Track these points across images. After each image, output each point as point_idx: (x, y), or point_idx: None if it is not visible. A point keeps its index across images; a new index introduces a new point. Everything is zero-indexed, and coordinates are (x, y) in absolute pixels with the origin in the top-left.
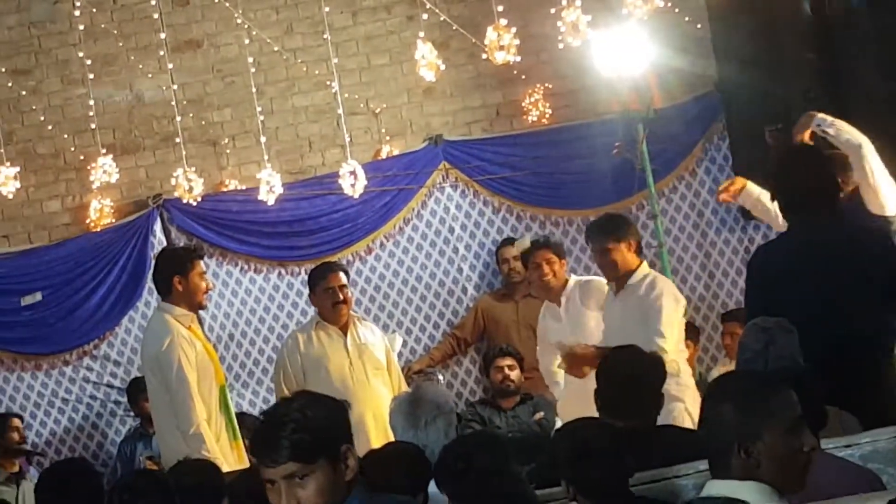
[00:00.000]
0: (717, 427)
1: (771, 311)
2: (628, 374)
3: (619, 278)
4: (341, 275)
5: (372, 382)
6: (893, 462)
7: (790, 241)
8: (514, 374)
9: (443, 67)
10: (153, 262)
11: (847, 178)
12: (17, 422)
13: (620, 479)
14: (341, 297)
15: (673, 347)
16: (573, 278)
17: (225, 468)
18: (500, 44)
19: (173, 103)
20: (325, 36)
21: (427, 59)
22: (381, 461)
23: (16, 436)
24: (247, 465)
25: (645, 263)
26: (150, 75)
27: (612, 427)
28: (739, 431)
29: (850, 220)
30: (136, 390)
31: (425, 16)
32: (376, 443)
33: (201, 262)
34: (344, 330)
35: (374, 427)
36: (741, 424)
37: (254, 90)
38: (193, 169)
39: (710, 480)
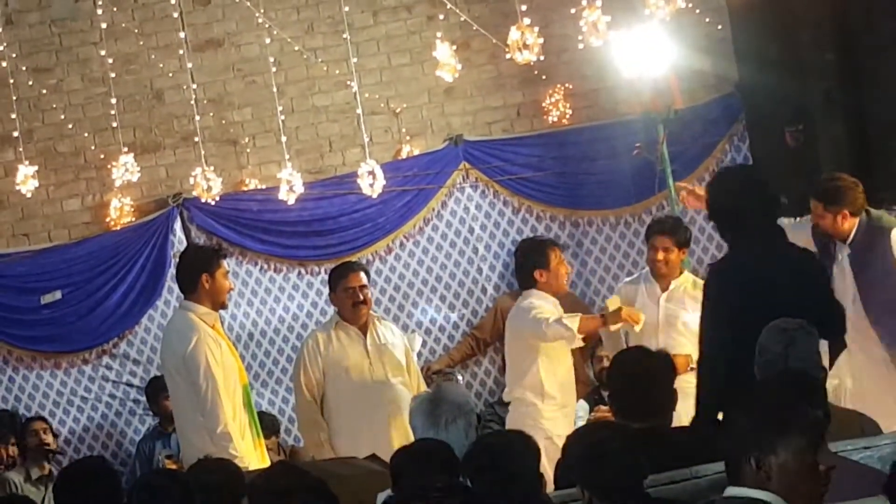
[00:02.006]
0: (732, 435)
1: (730, 331)
2: (639, 374)
3: (665, 280)
4: (362, 274)
5: (391, 382)
6: None
7: (735, 262)
8: None
9: (460, 68)
10: (173, 260)
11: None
12: (40, 424)
13: (635, 481)
14: (361, 297)
15: None
16: (687, 273)
17: (251, 467)
18: (524, 43)
19: (193, 102)
20: (345, 36)
21: (444, 61)
22: (413, 458)
23: (35, 439)
24: (268, 464)
25: (686, 271)
26: (170, 74)
27: (626, 428)
28: (753, 443)
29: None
30: (155, 389)
31: (442, 16)
32: (397, 443)
33: (226, 262)
34: (364, 330)
35: (394, 427)
36: (755, 437)
37: (274, 90)
38: (213, 168)
39: (728, 487)
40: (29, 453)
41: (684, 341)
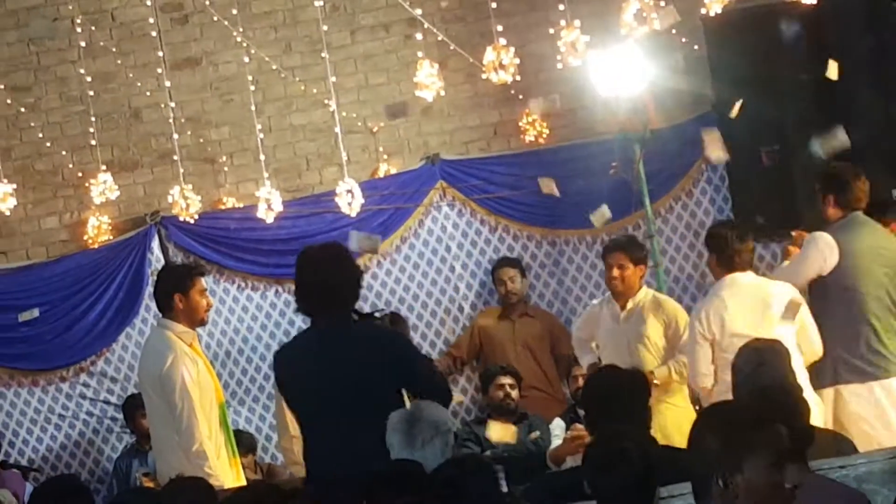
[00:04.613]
0: (699, 455)
1: (294, 405)
2: (613, 392)
3: (622, 297)
4: None
5: None
6: (888, 483)
7: (311, 339)
8: (515, 393)
9: (438, 85)
10: (151, 278)
11: None
12: None
13: (647, 495)
14: None
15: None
16: (646, 289)
17: (226, 485)
18: (500, 63)
19: (171, 121)
20: (323, 55)
21: (423, 80)
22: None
23: None
24: (244, 482)
25: (645, 286)
26: (148, 93)
27: (650, 438)
28: (720, 462)
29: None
30: (132, 407)
31: (419, 35)
32: None
33: (202, 280)
34: None
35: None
36: (722, 455)
37: (252, 108)
38: (191, 186)
39: None
40: None
41: (650, 357)
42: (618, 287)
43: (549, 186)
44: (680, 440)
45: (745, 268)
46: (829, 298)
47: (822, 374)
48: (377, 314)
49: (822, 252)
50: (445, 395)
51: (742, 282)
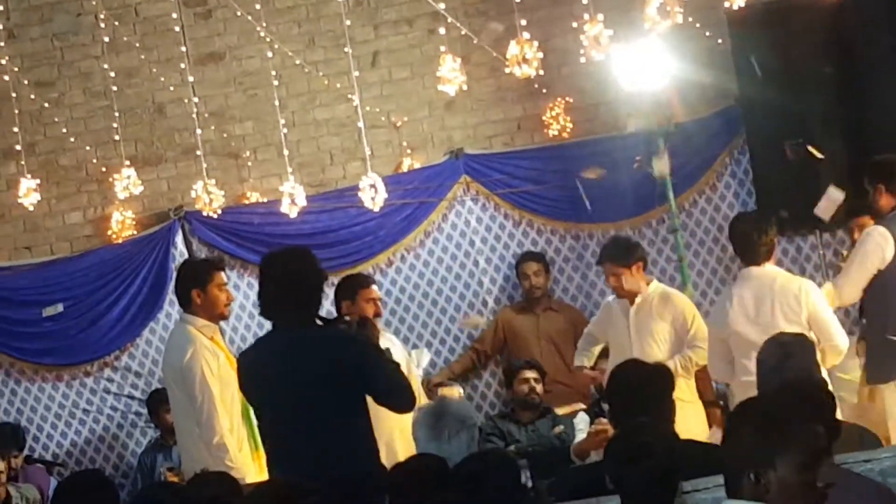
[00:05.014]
0: (734, 448)
1: (256, 410)
2: (637, 385)
3: (629, 297)
4: (375, 287)
5: None
6: None
7: (271, 343)
8: (539, 387)
9: (460, 79)
10: (174, 273)
11: None
12: None
13: (670, 489)
14: (377, 308)
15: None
16: (655, 284)
17: (248, 479)
18: (523, 57)
19: (195, 116)
20: (346, 49)
21: (448, 76)
22: (409, 474)
23: None
24: (267, 477)
25: (655, 281)
26: (172, 88)
27: (673, 433)
28: (754, 457)
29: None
30: (156, 402)
31: (443, 30)
32: (403, 455)
33: (222, 274)
34: None
35: (401, 439)
36: (756, 451)
37: (276, 103)
38: (214, 181)
39: (725, 500)
40: None
41: (657, 350)
42: (621, 292)
43: (595, 172)
44: (684, 434)
45: (762, 261)
46: (889, 292)
47: (883, 368)
48: (346, 318)
49: (879, 246)
50: (407, 400)
51: (753, 275)
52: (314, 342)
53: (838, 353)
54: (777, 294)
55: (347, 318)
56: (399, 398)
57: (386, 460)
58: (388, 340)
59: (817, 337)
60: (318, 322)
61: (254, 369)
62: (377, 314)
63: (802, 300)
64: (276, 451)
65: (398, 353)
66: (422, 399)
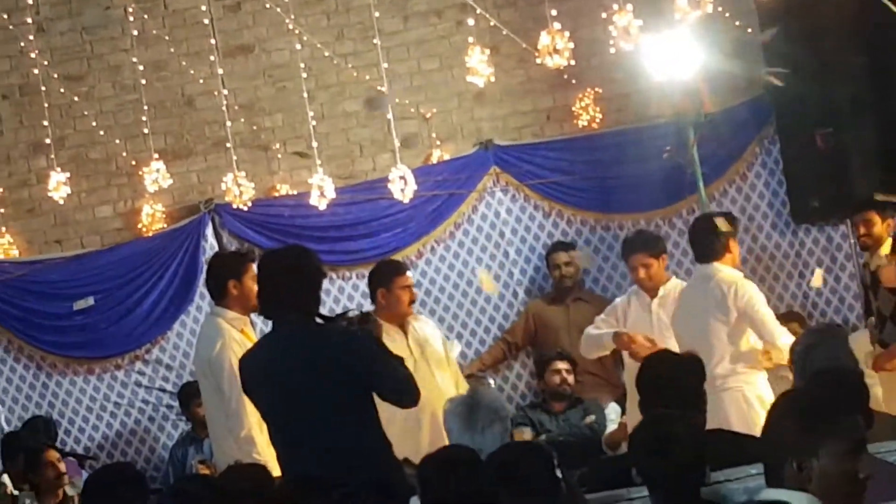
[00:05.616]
0: (776, 438)
1: (261, 410)
2: (666, 377)
3: (652, 290)
4: (410, 273)
5: (436, 378)
6: None
7: (271, 343)
8: (571, 378)
9: (488, 71)
10: (205, 266)
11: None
12: (52, 455)
13: (696, 478)
14: (412, 295)
15: None
16: (675, 281)
17: (275, 473)
18: (554, 48)
19: (224, 108)
20: (375, 41)
21: (474, 66)
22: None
23: (50, 472)
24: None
25: (673, 276)
26: (201, 80)
27: (698, 423)
28: (797, 446)
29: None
30: (187, 394)
31: (472, 21)
32: (427, 443)
33: (254, 266)
34: (403, 329)
35: (430, 427)
36: (800, 440)
37: (305, 95)
38: (244, 174)
39: (765, 489)
40: (42, 483)
41: (675, 345)
42: (646, 284)
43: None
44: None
45: (711, 259)
46: None
47: None
48: (350, 314)
49: None
50: (411, 395)
51: (698, 273)
52: (316, 340)
53: (779, 351)
54: (709, 292)
55: (350, 313)
56: (403, 394)
57: (423, 450)
58: (421, 322)
59: (759, 336)
60: (319, 320)
61: (257, 371)
62: (412, 301)
63: (730, 300)
64: (285, 452)
65: (434, 332)
66: (461, 381)
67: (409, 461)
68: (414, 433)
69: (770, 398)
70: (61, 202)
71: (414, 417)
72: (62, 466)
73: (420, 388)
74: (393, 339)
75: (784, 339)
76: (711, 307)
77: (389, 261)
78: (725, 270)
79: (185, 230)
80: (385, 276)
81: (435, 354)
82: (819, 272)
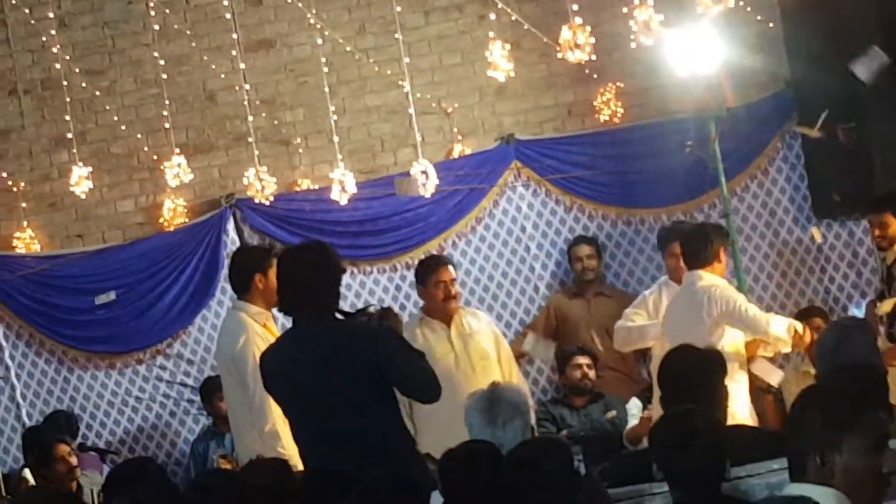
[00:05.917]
0: (800, 432)
1: (283, 407)
2: (689, 371)
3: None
4: (451, 268)
5: (478, 374)
6: None
7: (292, 339)
8: (592, 373)
9: (509, 66)
10: (227, 261)
11: None
12: (63, 449)
13: (717, 473)
14: (452, 291)
15: None
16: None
17: (298, 467)
18: (575, 42)
19: (246, 103)
20: (396, 36)
21: (495, 60)
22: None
23: (62, 466)
24: None
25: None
26: (222, 75)
27: (719, 418)
28: (820, 440)
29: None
30: (209, 389)
31: (493, 15)
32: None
33: (276, 260)
34: (448, 323)
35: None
36: (823, 434)
37: (326, 90)
38: (266, 168)
39: (789, 483)
40: (54, 478)
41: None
42: (679, 274)
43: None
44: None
45: (699, 266)
46: None
47: None
48: (371, 309)
49: None
50: (432, 390)
51: (686, 279)
52: (336, 337)
53: (775, 339)
54: (690, 298)
55: (371, 308)
56: (423, 389)
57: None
58: (472, 316)
59: (752, 333)
60: (339, 316)
61: (277, 368)
62: (448, 296)
63: (708, 306)
64: (307, 447)
65: (484, 327)
66: (513, 371)
67: (431, 456)
68: (453, 426)
69: (743, 415)
70: (83, 197)
71: (454, 411)
72: (73, 460)
73: (462, 384)
74: (435, 332)
75: (774, 326)
76: (693, 313)
77: (430, 256)
78: (707, 278)
79: (207, 225)
80: (421, 273)
81: (479, 350)
82: (816, 229)
